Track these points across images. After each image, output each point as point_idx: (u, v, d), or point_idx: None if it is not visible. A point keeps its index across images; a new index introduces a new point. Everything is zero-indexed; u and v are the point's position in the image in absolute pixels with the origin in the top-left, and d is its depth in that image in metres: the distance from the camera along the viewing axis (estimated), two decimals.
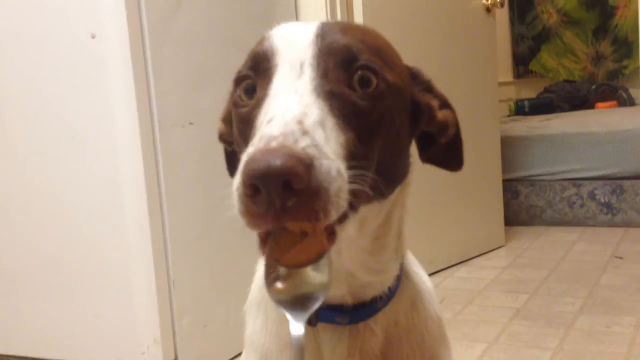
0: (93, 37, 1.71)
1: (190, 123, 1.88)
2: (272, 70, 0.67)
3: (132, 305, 1.81)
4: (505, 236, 3.34)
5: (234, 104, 0.72)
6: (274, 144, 0.55)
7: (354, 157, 0.62)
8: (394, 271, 0.78)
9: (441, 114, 0.80)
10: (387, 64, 0.71)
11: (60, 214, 1.88)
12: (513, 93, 5.07)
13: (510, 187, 3.72)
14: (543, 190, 3.71)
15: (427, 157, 0.84)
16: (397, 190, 0.75)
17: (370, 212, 0.70)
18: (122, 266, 1.80)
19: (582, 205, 3.61)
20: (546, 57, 5.00)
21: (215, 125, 1.99)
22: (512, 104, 4.54)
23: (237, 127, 0.72)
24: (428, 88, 0.80)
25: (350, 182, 0.59)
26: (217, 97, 2.02)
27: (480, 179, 3.07)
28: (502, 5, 3.15)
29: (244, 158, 0.57)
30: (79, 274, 1.88)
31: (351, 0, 2.43)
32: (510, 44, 5.10)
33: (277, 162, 0.53)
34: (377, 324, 0.77)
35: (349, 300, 0.76)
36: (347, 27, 0.72)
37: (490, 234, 3.23)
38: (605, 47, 4.78)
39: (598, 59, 4.82)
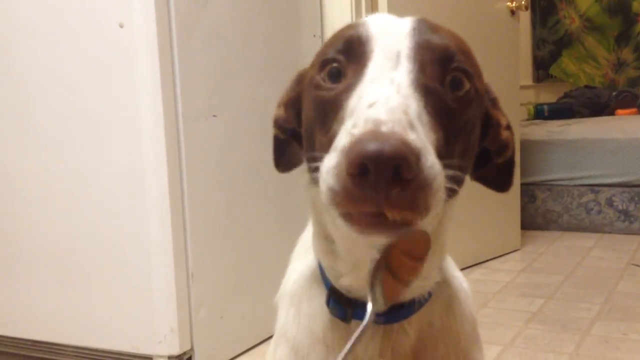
0: (121, 26, 1.72)
1: (214, 115, 1.89)
2: (366, 56, 0.66)
3: (150, 295, 1.82)
4: (521, 240, 3.32)
5: (315, 86, 0.69)
6: (384, 128, 0.54)
7: (440, 157, 0.61)
8: (436, 277, 0.78)
9: (505, 134, 0.79)
10: (476, 69, 0.71)
11: (81, 203, 1.89)
12: (532, 97, 5.04)
13: (528, 191, 3.71)
14: (560, 195, 3.69)
15: (478, 175, 0.82)
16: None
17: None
18: (142, 256, 1.81)
19: (599, 212, 3.58)
20: (567, 62, 4.97)
21: (239, 118, 2.01)
22: (531, 107, 4.51)
23: (315, 110, 0.70)
24: (495, 104, 0.79)
25: (446, 177, 0.58)
26: (240, 91, 2.04)
27: None
28: (527, 8, 3.14)
29: (346, 138, 0.56)
30: (98, 262, 1.89)
31: None
32: (531, 48, 5.07)
33: (391, 146, 0.52)
34: (411, 325, 0.77)
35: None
36: (440, 27, 0.71)
37: (506, 238, 3.22)
38: (627, 54, 4.74)
39: (619, 65, 4.79)
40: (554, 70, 5.03)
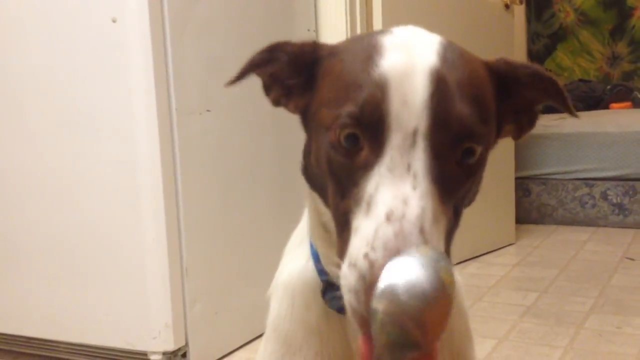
0: (114, 21, 1.71)
1: (208, 110, 1.88)
2: (384, 135, 0.63)
3: (144, 290, 1.81)
4: (516, 234, 3.33)
5: (330, 143, 0.66)
6: (400, 245, 0.57)
7: (450, 231, 0.65)
8: None
9: (501, 136, 0.79)
10: (489, 120, 0.69)
11: (75, 199, 1.88)
12: None
13: (522, 185, 3.71)
14: (555, 189, 3.70)
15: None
16: None
17: None
18: (136, 252, 1.81)
19: (593, 206, 3.59)
20: (562, 56, 4.97)
21: (233, 112, 1.99)
22: None
23: (329, 164, 0.67)
24: (523, 71, 0.76)
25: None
26: (234, 86, 2.02)
27: (492, 176, 3.02)
28: (521, 2, 3.14)
29: (365, 264, 0.58)
30: (92, 258, 1.89)
31: None
32: (525, 42, 5.07)
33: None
34: None
35: None
36: (462, 77, 0.66)
37: (500, 232, 3.22)
38: (622, 48, 4.75)
39: (614, 59, 4.79)
40: (548, 64, 5.03)
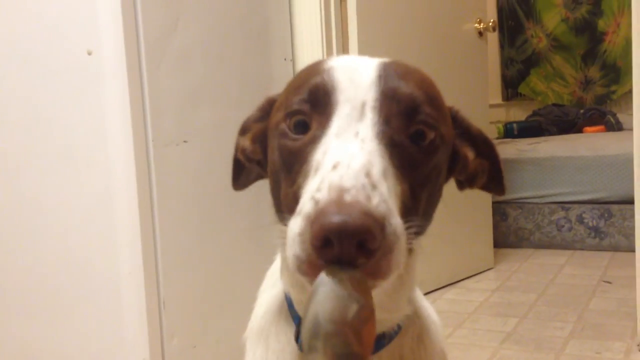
0: (89, 53, 1.70)
1: (185, 141, 1.87)
2: (331, 108, 0.65)
3: (121, 324, 1.78)
4: (494, 258, 3.34)
5: (281, 134, 0.69)
6: (347, 198, 0.54)
7: (406, 209, 0.62)
8: (406, 309, 0.77)
9: (473, 165, 0.80)
10: (442, 116, 0.71)
11: (51, 232, 1.85)
12: (502, 115, 5.10)
13: (499, 210, 3.74)
14: (532, 213, 3.73)
15: (467, 188, 0.85)
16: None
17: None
18: (113, 285, 1.78)
19: (570, 229, 3.62)
20: (535, 81, 5.05)
21: (210, 143, 1.99)
22: (500, 126, 4.57)
23: (281, 158, 0.69)
24: (465, 132, 0.79)
25: (407, 240, 0.59)
26: (211, 116, 2.03)
27: (469, 201, 3.07)
28: (494, 29, 3.19)
29: (310, 204, 0.56)
30: (68, 292, 1.85)
31: (346, 17, 2.44)
32: (500, 67, 5.14)
33: (355, 220, 0.52)
34: (382, 359, 0.76)
35: None
36: (407, 72, 0.70)
37: (479, 256, 3.23)
38: (594, 72, 4.83)
39: (587, 83, 4.87)
40: (522, 88, 5.10)
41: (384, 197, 0.56)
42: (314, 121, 0.66)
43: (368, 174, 0.57)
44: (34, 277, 1.90)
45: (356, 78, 0.67)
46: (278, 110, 0.73)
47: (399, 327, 0.77)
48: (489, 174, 0.83)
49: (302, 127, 0.67)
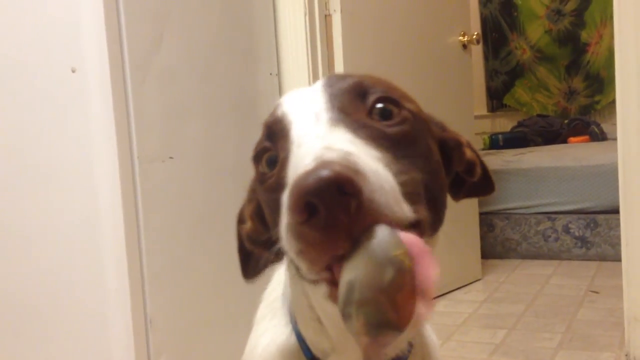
0: (73, 71, 1.69)
1: (171, 157, 1.87)
2: (287, 130, 0.65)
3: (108, 343, 1.76)
4: (482, 269, 3.35)
5: (260, 181, 0.68)
6: (313, 164, 0.52)
7: (396, 171, 0.58)
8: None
9: (468, 152, 0.79)
10: (402, 94, 0.70)
11: (35, 250, 1.83)
12: (487, 126, 5.13)
13: (486, 221, 3.75)
14: (518, 223, 3.74)
15: (462, 195, 0.83)
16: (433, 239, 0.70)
17: None
18: (98, 304, 1.76)
19: (556, 239, 3.64)
20: (520, 92, 5.09)
21: (196, 159, 1.97)
22: (486, 137, 4.60)
23: (268, 201, 0.67)
24: (445, 129, 0.78)
25: (402, 186, 0.57)
26: (197, 131, 2.02)
27: (457, 213, 3.07)
28: (478, 42, 3.21)
29: (286, 193, 0.54)
30: (53, 309, 1.83)
31: (331, 31, 2.44)
32: (484, 79, 5.18)
33: (325, 172, 0.50)
34: None
35: None
36: (353, 74, 0.71)
37: (467, 268, 3.24)
38: (578, 83, 4.87)
39: (571, 94, 4.91)
40: (507, 100, 5.14)
41: (352, 154, 0.54)
42: (279, 151, 0.66)
43: (329, 147, 0.55)
44: (18, 296, 1.87)
45: (302, 98, 0.68)
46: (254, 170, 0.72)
47: (410, 349, 0.76)
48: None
49: (274, 162, 0.66)
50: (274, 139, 0.67)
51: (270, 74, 2.34)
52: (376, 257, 0.51)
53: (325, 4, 2.42)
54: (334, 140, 0.58)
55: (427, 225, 0.62)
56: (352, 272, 0.51)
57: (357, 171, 0.52)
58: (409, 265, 0.52)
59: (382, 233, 0.53)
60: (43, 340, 1.86)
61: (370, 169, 0.54)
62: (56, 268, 1.82)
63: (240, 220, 0.80)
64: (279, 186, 0.62)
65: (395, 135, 0.64)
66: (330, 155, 0.53)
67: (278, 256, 0.66)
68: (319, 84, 0.69)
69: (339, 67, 2.41)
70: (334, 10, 2.43)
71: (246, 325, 0.89)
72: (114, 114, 1.69)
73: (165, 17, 1.86)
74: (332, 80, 0.69)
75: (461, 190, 0.82)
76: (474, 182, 0.81)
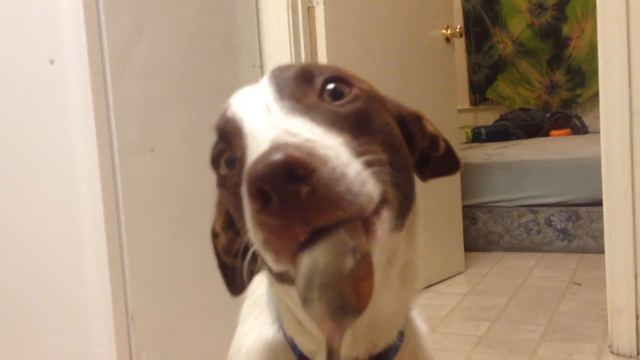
0: (52, 62, 1.66)
1: (152, 150, 1.84)
2: (240, 126, 0.63)
3: (89, 339, 1.74)
4: (465, 262, 3.35)
5: (222, 183, 0.67)
6: (266, 147, 0.52)
7: (359, 155, 0.57)
8: (406, 310, 0.75)
9: (429, 126, 0.78)
10: (353, 76, 0.69)
11: (13, 246, 1.80)
12: (470, 120, 5.14)
13: (469, 214, 3.76)
14: (501, 216, 3.75)
15: (429, 174, 0.81)
16: (410, 220, 0.70)
17: (394, 240, 0.65)
18: (79, 299, 1.74)
19: (539, 232, 3.66)
20: (502, 86, 5.10)
21: (178, 151, 1.94)
22: (469, 131, 4.60)
23: (233, 202, 0.65)
24: (403, 107, 0.77)
25: (367, 167, 0.55)
26: (179, 124, 2.00)
27: (440, 206, 3.08)
28: (461, 35, 3.21)
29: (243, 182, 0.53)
30: (33, 305, 1.80)
31: (314, 23, 2.42)
32: (467, 73, 5.19)
33: (276, 155, 0.49)
34: None
35: (365, 357, 0.72)
36: (294, 64, 0.70)
37: (450, 260, 3.24)
38: (560, 77, 4.90)
39: (552, 88, 4.93)
40: (490, 93, 5.15)
41: (307, 137, 0.53)
42: (235, 149, 0.64)
43: (287, 131, 0.55)
44: None
45: (250, 93, 0.67)
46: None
47: (399, 339, 0.75)
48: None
49: (233, 162, 0.65)
50: (228, 140, 0.65)
51: (253, 66, 2.32)
52: (336, 243, 0.52)
53: None
54: (291, 125, 0.57)
55: (396, 202, 0.61)
56: (312, 258, 0.52)
57: (311, 154, 0.51)
58: (367, 250, 0.53)
59: (343, 226, 0.53)
60: (22, 337, 1.83)
61: (331, 153, 0.52)
62: (35, 263, 1.79)
63: (214, 236, 0.79)
64: (241, 183, 0.60)
65: (350, 114, 0.62)
66: (286, 138, 0.52)
67: (260, 264, 0.64)
68: (265, 79, 0.68)
69: (322, 59, 2.39)
70: (317, 3, 2.41)
71: (228, 320, 0.87)
72: (93, 106, 1.66)
73: (145, 7, 1.83)
74: (277, 72, 0.68)
75: (427, 168, 0.81)
76: (439, 158, 0.80)
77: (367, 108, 0.65)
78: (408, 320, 0.79)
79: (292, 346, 0.75)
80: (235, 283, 0.78)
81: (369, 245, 0.54)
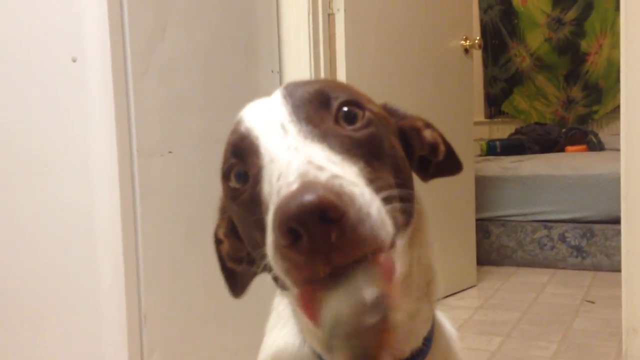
0: (74, 60, 1.66)
1: (170, 152, 1.84)
2: (256, 145, 0.65)
3: (101, 339, 1.73)
4: (477, 276, 3.33)
5: (232, 197, 0.68)
6: (295, 185, 0.53)
7: (373, 183, 0.60)
8: (426, 313, 0.74)
9: (427, 133, 0.79)
10: (362, 96, 0.71)
11: (30, 244, 1.80)
12: (485, 133, 5.12)
13: (482, 227, 3.73)
14: (514, 230, 3.72)
15: (429, 176, 0.83)
16: (415, 219, 0.71)
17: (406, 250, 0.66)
18: (93, 299, 1.73)
19: (552, 248, 3.62)
20: (518, 99, 5.08)
21: (195, 154, 1.94)
22: (483, 144, 4.58)
23: (242, 218, 0.67)
24: (404, 116, 0.79)
25: (385, 201, 0.57)
26: (197, 126, 1.99)
27: (453, 218, 3.06)
28: (480, 47, 3.19)
29: (271, 213, 0.54)
30: (46, 304, 1.80)
31: (334, 30, 2.42)
32: (483, 85, 5.17)
33: (308, 196, 0.51)
34: None
35: None
36: (311, 80, 0.72)
37: (462, 274, 3.22)
38: (576, 92, 4.87)
39: (569, 103, 4.91)
40: (505, 107, 5.13)
41: (334, 173, 0.55)
42: (249, 166, 0.65)
43: (310, 162, 0.56)
44: (11, 291, 1.84)
45: (264, 110, 0.68)
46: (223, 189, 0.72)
47: (426, 344, 0.74)
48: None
49: (244, 178, 0.66)
50: (241, 156, 0.67)
51: (272, 71, 2.32)
52: (360, 296, 0.54)
53: (329, 2, 2.40)
54: (311, 154, 0.59)
55: (403, 219, 0.64)
56: (336, 307, 0.54)
57: (340, 195, 0.52)
58: (389, 304, 0.55)
59: (364, 269, 0.55)
60: (35, 336, 1.83)
61: (357, 191, 0.55)
62: (51, 262, 1.79)
63: (218, 241, 0.82)
64: (254, 201, 0.63)
65: (364, 139, 0.65)
66: (315, 174, 0.54)
67: (263, 269, 0.65)
68: (279, 94, 0.69)
69: (341, 66, 2.39)
70: (337, 10, 2.41)
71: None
72: (114, 106, 1.66)
73: (168, 8, 1.83)
74: (291, 89, 0.69)
75: (428, 171, 0.83)
76: (441, 161, 0.82)
77: (378, 133, 0.67)
78: (437, 324, 0.79)
79: (318, 356, 0.74)
80: (237, 286, 0.83)
81: (389, 287, 0.55)
